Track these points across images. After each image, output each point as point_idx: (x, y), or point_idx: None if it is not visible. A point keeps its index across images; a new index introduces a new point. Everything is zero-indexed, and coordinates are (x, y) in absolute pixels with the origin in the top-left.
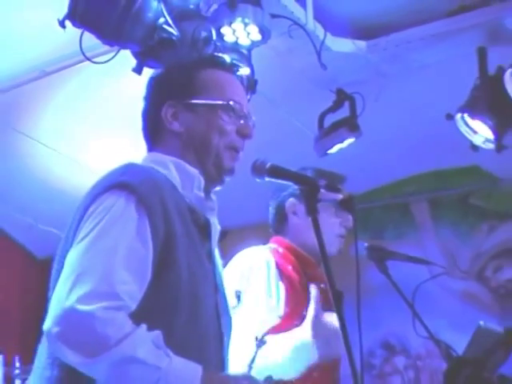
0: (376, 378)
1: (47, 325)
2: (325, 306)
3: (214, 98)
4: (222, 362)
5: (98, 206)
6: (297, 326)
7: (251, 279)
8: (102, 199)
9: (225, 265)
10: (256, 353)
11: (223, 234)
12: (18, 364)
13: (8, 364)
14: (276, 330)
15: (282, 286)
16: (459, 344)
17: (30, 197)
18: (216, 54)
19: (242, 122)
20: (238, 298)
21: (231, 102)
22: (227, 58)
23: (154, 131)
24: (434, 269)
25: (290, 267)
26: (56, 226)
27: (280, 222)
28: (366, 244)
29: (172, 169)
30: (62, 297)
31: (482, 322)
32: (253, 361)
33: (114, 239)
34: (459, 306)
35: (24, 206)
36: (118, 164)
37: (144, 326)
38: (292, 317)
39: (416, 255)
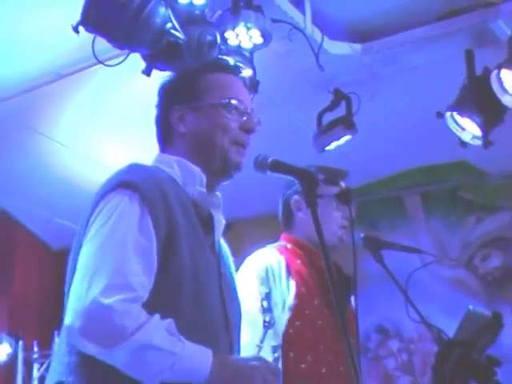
0: (371, 360)
1: (68, 320)
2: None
3: (217, 98)
4: (230, 346)
5: (106, 205)
6: (307, 315)
7: (270, 279)
8: (108, 198)
9: (233, 258)
10: (265, 334)
11: (228, 226)
12: (36, 349)
13: (27, 349)
14: (290, 321)
15: (291, 283)
16: (449, 328)
17: (47, 192)
18: (220, 57)
19: (244, 118)
20: (268, 298)
21: (233, 101)
22: (231, 60)
23: (165, 135)
24: (426, 258)
25: (298, 261)
26: (71, 219)
27: (287, 219)
28: (362, 234)
29: (175, 167)
30: (82, 293)
31: (471, 307)
32: (262, 341)
33: (121, 235)
34: (449, 293)
35: (41, 201)
36: (129, 161)
37: (157, 316)
38: (302, 307)
39: (409, 245)
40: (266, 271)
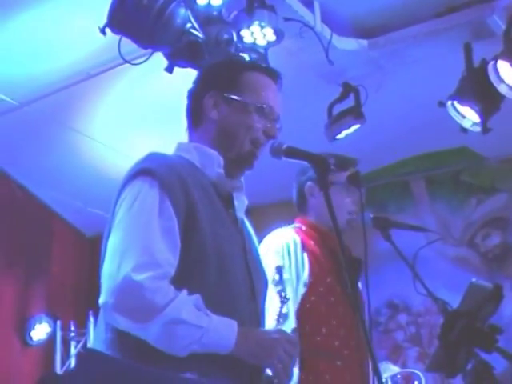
0: (382, 333)
1: (103, 298)
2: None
3: (251, 98)
4: (256, 317)
5: (129, 192)
6: (321, 292)
7: (285, 255)
8: (131, 185)
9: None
10: (281, 308)
11: (247, 211)
12: (73, 328)
13: (65, 328)
14: (305, 296)
15: (306, 260)
16: (453, 301)
17: (80, 184)
18: (263, 63)
19: (269, 125)
20: (280, 272)
21: (264, 106)
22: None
23: (195, 113)
24: (431, 237)
25: (312, 242)
26: (102, 208)
27: (301, 203)
28: (371, 215)
29: (194, 152)
30: (113, 272)
31: (474, 279)
32: (280, 315)
33: (145, 218)
34: (453, 269)
35: (75, 191)
36: None
37: (185, 291)
38: (316, 284)
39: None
40: (282, 247)
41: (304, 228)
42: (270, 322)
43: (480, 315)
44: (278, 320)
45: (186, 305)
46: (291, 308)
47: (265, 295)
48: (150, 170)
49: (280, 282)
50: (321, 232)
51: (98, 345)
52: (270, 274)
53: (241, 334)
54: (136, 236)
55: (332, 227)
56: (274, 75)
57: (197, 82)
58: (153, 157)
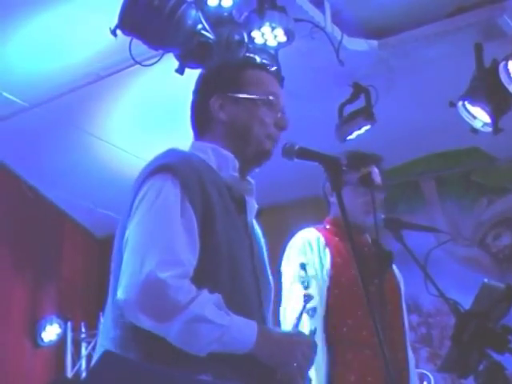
0: None
1: (123, 295)
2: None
3: (257, 93)
4: (263, 319)
5: (150, 188)
6: (345, 284)
7: (307, 251)
8: (151, 182)
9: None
10: (304, 307)
11: (260, 212)
12: (83, 329)
13: (75, 329)
14: (329, 289)
15: (328, 255)
16: (464, 302)
17: (90, 185)
18: (261, 59)
19: (279, 115)
20: (304, 268)
21: (270, 97)
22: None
23: (202, 120)
24: (441, 237)
25: (336, 238)
26: (112, 209)
27: (326, 202)
28: (383, 216)
29: (210, 153)
30: (136, 270)
31: (486, 280)
32: (301, 314)
33: (167, 217)
34: (463, 270)
35: (85, 192)
36: None
37: (206, 290)
38: (339, 277)
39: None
40: (303, 245)
41: (328, 226)
42: (292, 317)
43: (492, 316)
44: (298, 319)
45: (208, 303)
46: (318, 302)
47: (270, 300)
48: (171, 166)
49: (305, 277)
50: (343, 228)
51: (105, 343)
52: (296, 271)
53: (260, 334)
54: (158, 234)
55: (357, 224)
56: (274, 71)
57: (199, 86)
58: (173, 153)
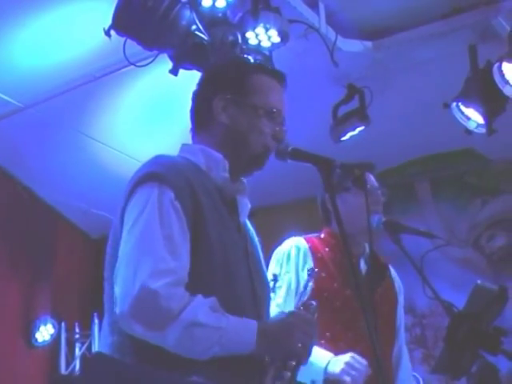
0: None
1: (120, 308)
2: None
3: (261, 102)
4: (259, 319)
5: (138, 198)
6: (326, 297)
7: (284, 263)
8: (139, 191)
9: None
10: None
11: (254, 213)
12: (77, 330)
13: (69, 330)
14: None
15: (309, 266)
16: (458, 302)
17: (85, 185)
18: (269, 65)
19: (277, 128)
20: (275, 279)
21: (274, 110)
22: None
23: (201, 115)
24: (437, 241)
25: (326, 249)
26: (107, 210)
27: (324, 213)
28: (383, 219)
29: (199, 155)
30: (129, 281)
31: (479, 281)
32: (305, 287)
33: (156, 225)
34: (458, 271)
35: (79, 193)
36: (157, 153)
37: (200, 295)
38: (320, 290)
39: (420, 228)
40: (283, 254)
41: (322, 236)
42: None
43: (485, 317)
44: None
45: (202, 307)
46: None
47: (267, 300)
48: (158, 174)
49: (273, 289)
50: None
51: (103, 348)
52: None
53: (260, 332)
54: (150, 243)
55: (354, 231)
56: (279, 77)
57: (202, 84)
58: (160, 160)
